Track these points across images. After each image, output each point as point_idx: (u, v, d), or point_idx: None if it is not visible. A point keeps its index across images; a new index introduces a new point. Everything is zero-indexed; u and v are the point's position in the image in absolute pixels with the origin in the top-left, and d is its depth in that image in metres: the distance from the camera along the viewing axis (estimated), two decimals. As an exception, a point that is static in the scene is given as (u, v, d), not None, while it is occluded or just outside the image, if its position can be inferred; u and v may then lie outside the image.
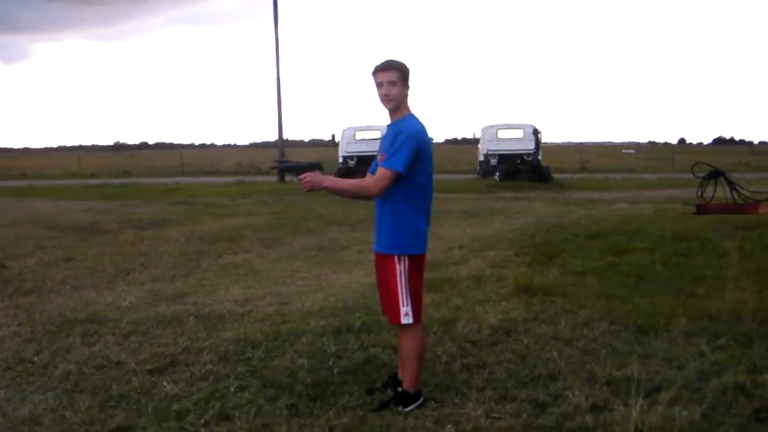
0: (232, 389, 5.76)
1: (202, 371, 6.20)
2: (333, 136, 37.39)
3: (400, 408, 5.27)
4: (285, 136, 43.46)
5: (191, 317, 8.01)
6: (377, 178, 5.10)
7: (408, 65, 5.26)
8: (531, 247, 11.98)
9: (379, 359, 6.38)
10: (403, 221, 5.21)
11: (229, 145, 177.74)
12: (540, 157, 35.56)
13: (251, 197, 27.30)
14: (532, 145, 35.03)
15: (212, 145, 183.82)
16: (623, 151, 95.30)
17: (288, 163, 5.77)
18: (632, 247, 11.58)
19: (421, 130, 5.18)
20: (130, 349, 6.94)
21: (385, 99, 5.22)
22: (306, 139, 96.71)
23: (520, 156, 34.96)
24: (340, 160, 36.26)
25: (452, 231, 15.00)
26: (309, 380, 5.86)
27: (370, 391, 5.64)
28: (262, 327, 7.52)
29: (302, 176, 5.13)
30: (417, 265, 5.28)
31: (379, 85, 5.21)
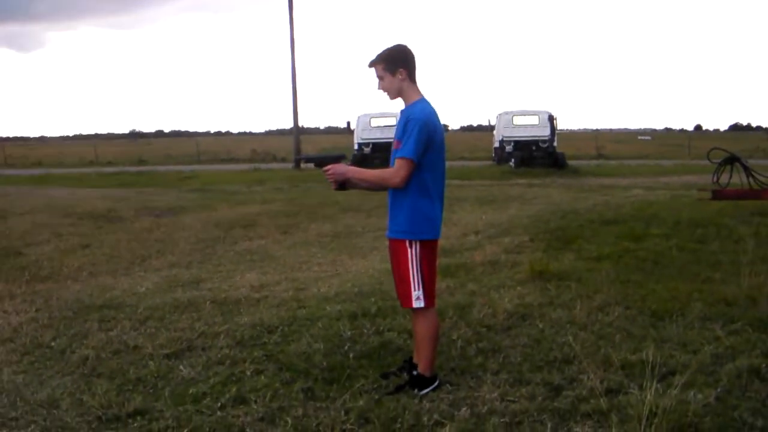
0: (248, 373, 5.79)
1: (219, 355, 6.24)
2: (348, 123, 37.28)
3: (416, 391, 5.31)
4: (300, 124, 43.43)
5: (208, 302, 8.05)
6: (396, 168, 5.11)
7: (401, 47, 5.29)
8: (546, 233, 11.98)
9: (395, 344, 6.40)
10: (415, 207, 5.20)
11: (244, 133, 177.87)
12: (555, 144, 35.37)
13: (267, 184, 27.34)
14: (547, 132, 34.88)
15: (228, 133, 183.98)
16: (639, 137, 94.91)
17: (312, 157, 5.78)
18: (648, 232, 11.56)
19: (429, 115, 5.18)
20: (147, 333, 6.98)
21: (382, 91, 5.33)
22: (321, 127, 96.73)
23: (536, 142, 34.83)
24: (356, 147, 36.25)
25: (467, 217, 14.99)
26: (325, 364, 5.89)
27: (385, 375, 5.67)
28: (278, 312, 7.56)
29: (326, 168, 5.24)
30: (429, 250, 5.28)
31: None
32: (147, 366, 6.06)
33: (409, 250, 5.22)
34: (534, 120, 35.52)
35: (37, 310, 8.11)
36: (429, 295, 5.28)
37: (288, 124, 44.90)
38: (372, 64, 5.30)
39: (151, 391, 5.56)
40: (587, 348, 6.07)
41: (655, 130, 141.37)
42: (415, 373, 5.44)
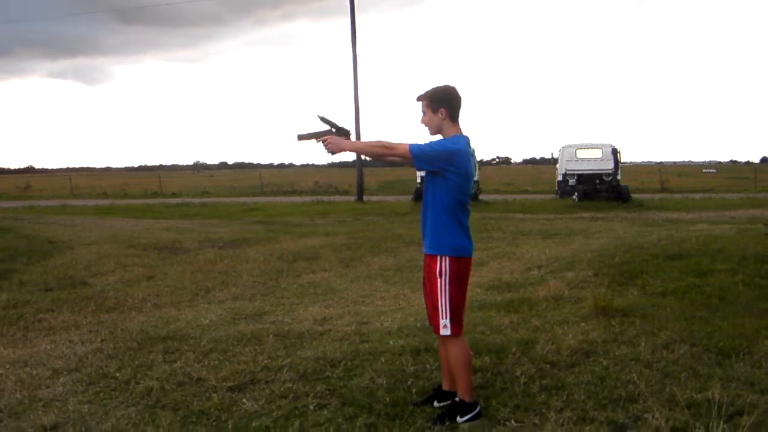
0: (311, 407, 5.78)
1: (282, 389, 6.23)
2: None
3: (458, 419, 5.36)
4: (363, 157, 43.50)
5: (271, 335, 8.07)
6: (401, 145, 5.36)
7: (447, 88, 5.54)
8: (610, 268, 11.83)
9: (458, 380, 6.34)
10: (447, 224, 5.42)
11: (307, 165, 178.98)
12: (619, 177, 35.21)
13: (329, 216, 27.46)
14: (611, 165, 34.71)
15: (291, 165, 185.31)
16: (704, 170, 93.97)
17: (308, 134, 5.86)
18: (713, 268, 11.36)
19: (457, 144, 5.41)
20: (211, 366, 7.01)
21: (423, 125, 5.59)
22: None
23: (599, 176, 34.67)
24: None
25: (531, 251, 14.88)
26: (388, 399, 5.86)
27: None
28: (341, 346, 7.54)
29: (324, 138, 5.52)
30: (459, 268, 5.43)
31: None
32: (210, 398, 6.09)
33: (438, 265, 5.38)
34: (597, 153, 35.37)
35: (102, 341, 8.20)
36: (457, 322, 5.40)
37: (350, 157, 45.11)
38: (418, 99, 5.57)
39: (214, 423, 5.58)
40: (652, 386, 5.98)
41: (720, 163, 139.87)
42: (457, 399, 5.51)
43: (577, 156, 36.02)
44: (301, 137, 5.72)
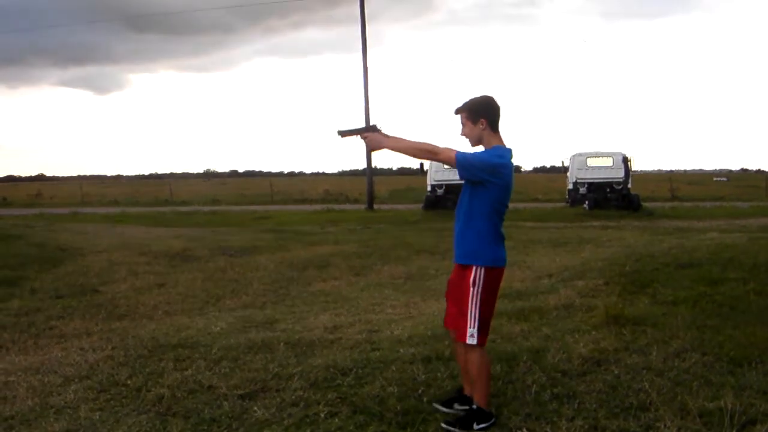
0: (322, 415, 5.78)
1: (293, 397, 6.23)
2: (421, 165, 37.30)
3: (474, 425, 5.40)
4: (373, 165, 43.57)
5: (281, 344, 8.06)
6: (447, 149, 5.37)
7: (485, 98, 5.56)
8: (621, 277, 11.80)
9: (469, 388, 6.34)
10: (485, 234, 5.44)
11: (318, 173, 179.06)
12: (630, 186, 35.15)
13: (340, 225, 27.45)
14: (621, 174, 34.66)
15: (301, 173, 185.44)
16: (715, 179, 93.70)
17: (350, 130, 5.88)
18: (725, 276, 11.32)
19: (501, 158, 5.42)
20: (222, 374, 7.01)
21: (464, 137, 5.60)
22: (394, 168, 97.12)
23: (610, 184, 34.63)
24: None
25: (541, 260, 14.86)
26: (399, 408, 5.85)
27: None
28: (351, 354, 7.54)
29: (365, 134, 5.56)
30: (492, 278, 5.44)
31: None
32: (221, 406, 6.09)
33: (473, 275, 5.38)
34: (608, 162, 35.34)
35: (113, 348, 8.21)
36: (484, 333, 5.43)
37: (361, 165, 45.18)
38: (457, 111, 5.58)
39: (225, 431, 5.58)
40: (664, 395, 5.96)
41: (730, 171, 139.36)
42: (474, 407, 5.53)
43: (588, 164, 35.98)
44: (343, 134, 5.75)
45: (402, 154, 5.55)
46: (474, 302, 5.36)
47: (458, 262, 5.57)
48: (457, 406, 5.77)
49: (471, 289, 5.37)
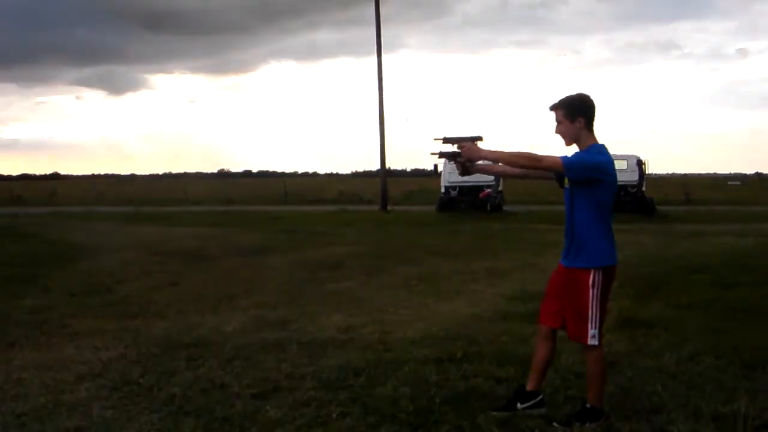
0: (334, 416, 5.76)
1: (305, 397, 6.21)
2: (435, 166, 37.27)
3: (587, 424, 5.44)
4: (387, 166, 43.51)
5: (294, 343, 8.06)
6: (553, 158, 5.33)
7: (583, 96, 5.55)
8: (634, 280, 11.77)
9: (481, 389, 6.34)
10: (598, 236, 5.50)
11: (331, 174, 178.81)
12: (644, 189, 35.03)
13: (354, 226, 27.42)
14: (635, 177, 34.52)
15: (315, 174, 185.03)
16: (729, 182, 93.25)
17: (456, 137, 5.85)
18: (738, 280, 11.31)
19: (603, 155, 5.46)
20: (234, 373, 7.00)
21: (559, 135, 5.57)
22: (408, 169, 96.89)
23: (624, 187, 34.45)
24: (442, 189, 36.28)
25: (555, 262, 14.75)
26: (411, 409, 5.83)
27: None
28: (364, 355, 7.53)
29: (462, 144, 5.51)
30: (608, 278, 5.51)
31: None
32: (234, 406, 6.07)
33: (591, 277, 5.42)
34: (622, 165, 35.13)
35: (125, 347, 8.20)
36: (601, 333, 5.52)
37: (375, 166, 44.91)
38: (553, 108, 5.55)
39: (237, 430, 5.57)
40: (677, 398, 5.96)
41: (745, 175, 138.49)
42: (588, 406, 5.55)
43: (602, 167, 35.86)
44: (448, 141, 5.71)
45: (500, 166, 5.80)
46: (594, 304, 5.42)
47: (572, 266, 5.59)
48: (519, 405, 5.75)
49: (591, 290, 5.41)
